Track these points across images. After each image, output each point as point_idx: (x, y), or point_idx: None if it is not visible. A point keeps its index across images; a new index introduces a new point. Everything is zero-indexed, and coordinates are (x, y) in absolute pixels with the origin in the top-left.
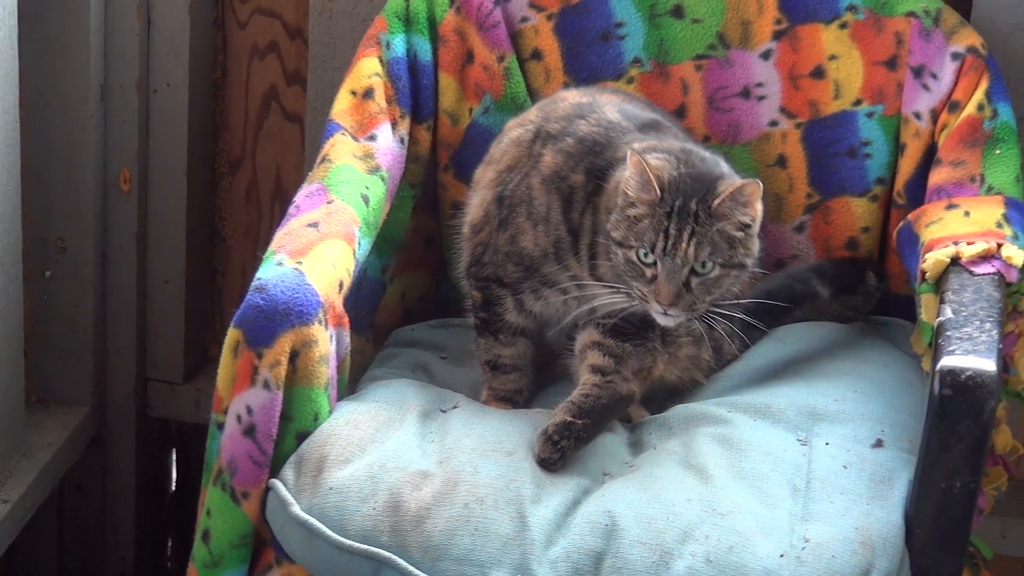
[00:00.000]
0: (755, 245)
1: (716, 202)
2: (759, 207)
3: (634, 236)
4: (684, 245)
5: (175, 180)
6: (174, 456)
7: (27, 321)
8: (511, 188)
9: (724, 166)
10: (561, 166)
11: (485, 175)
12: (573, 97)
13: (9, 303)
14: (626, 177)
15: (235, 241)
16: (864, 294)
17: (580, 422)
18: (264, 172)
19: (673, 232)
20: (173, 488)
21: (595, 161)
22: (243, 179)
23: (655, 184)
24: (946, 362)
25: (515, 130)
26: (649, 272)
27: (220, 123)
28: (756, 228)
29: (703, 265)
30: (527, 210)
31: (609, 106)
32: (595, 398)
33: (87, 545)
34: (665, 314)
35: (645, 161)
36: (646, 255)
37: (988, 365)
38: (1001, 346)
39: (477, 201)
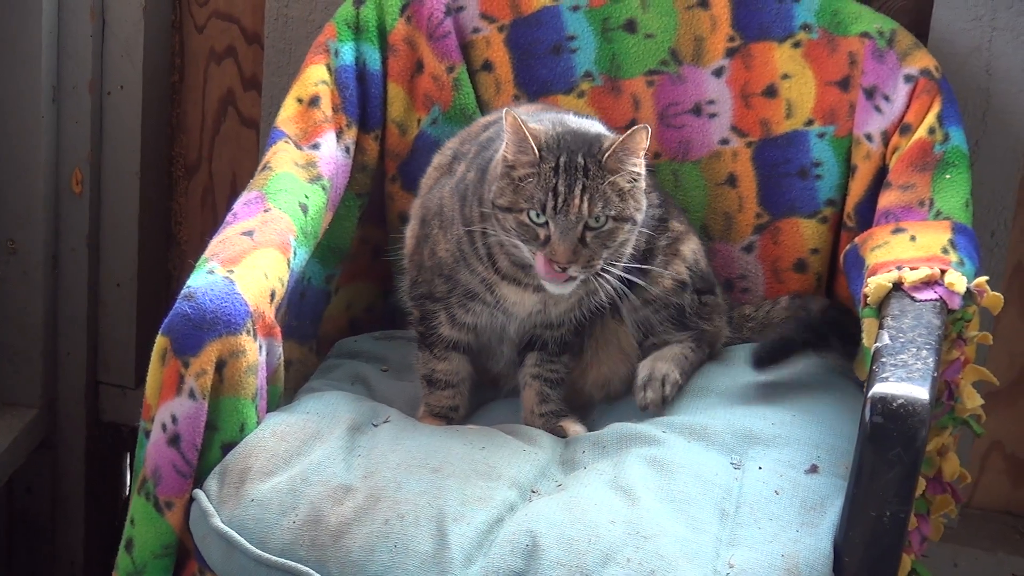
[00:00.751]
0: (643, 199)
1: (606, 155)
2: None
3: (523, 199)
4: (577, 201)
5: (128, 182)
6: (128, 461)
7: None
8: (429, 205)
9: (600, 126)
10: (464, 172)
11: (414, 205)
12: (494, 116)
13: None
14: (505, 143)
15: (190, 245)
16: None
17: None
18: (220, 177)
19: (563, 189)
20: (127, 493)
21: (484, 154)
22: (199, 183)
23: (532, 144)
24: (878, 389)
25: (436, 158)
26: (542, 233)
27: (177, 126)
28: (643, 181)
29: (597, 219)
30: (439, 220)
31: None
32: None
33: (36, 548)
34: (557, 279)
35: (521, 121)
36: (537, 216)
37: (921, 393)
38: (937, 374)
39: (409, 232)
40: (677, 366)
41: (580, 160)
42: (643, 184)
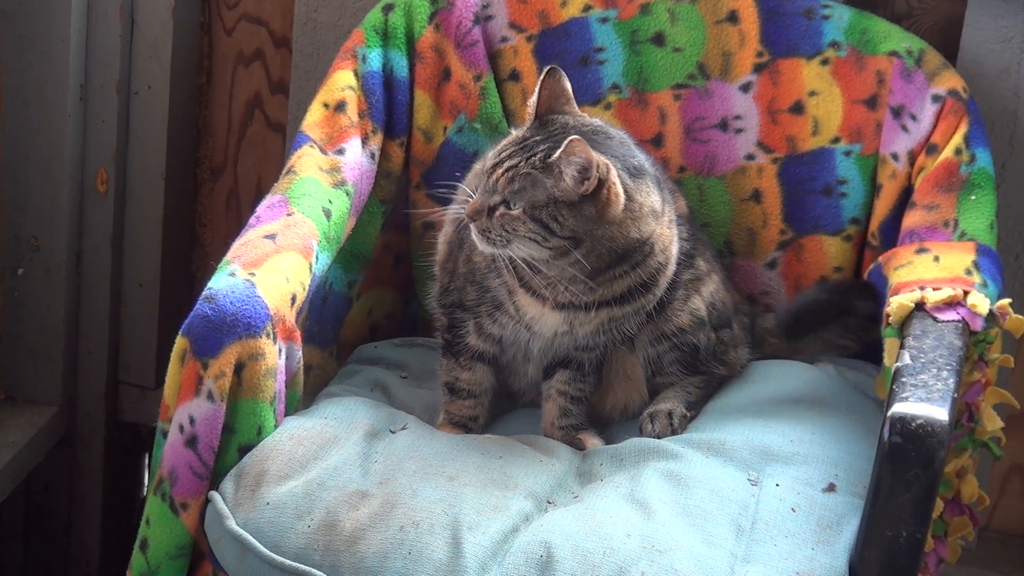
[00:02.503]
0: (584, 224)
1: (555, 155)
2: (617, 194)
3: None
4: (500, 172)
5: (153, 183)
6: (146, 461)
7: None
8: None
9: (639, 155)
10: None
11: (448, 212)
12: None
13: None
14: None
15: (214, 248)
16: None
17: None
18: (245, 180)
19: (504, 157)
20: (144, 493)
21: None
22: (224, 186)
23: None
24: (898, 408)
25: (476, 164)
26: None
27: (203, 128)
28: (597, 209)
29: (510, 205)
30: None
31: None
32: None
33: (53, 547)
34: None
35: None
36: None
37: (940, 414)
38: (957, 395)
39: (442, 238)
40: (682, 401)
41: (540, 149)
42: (593, 211)
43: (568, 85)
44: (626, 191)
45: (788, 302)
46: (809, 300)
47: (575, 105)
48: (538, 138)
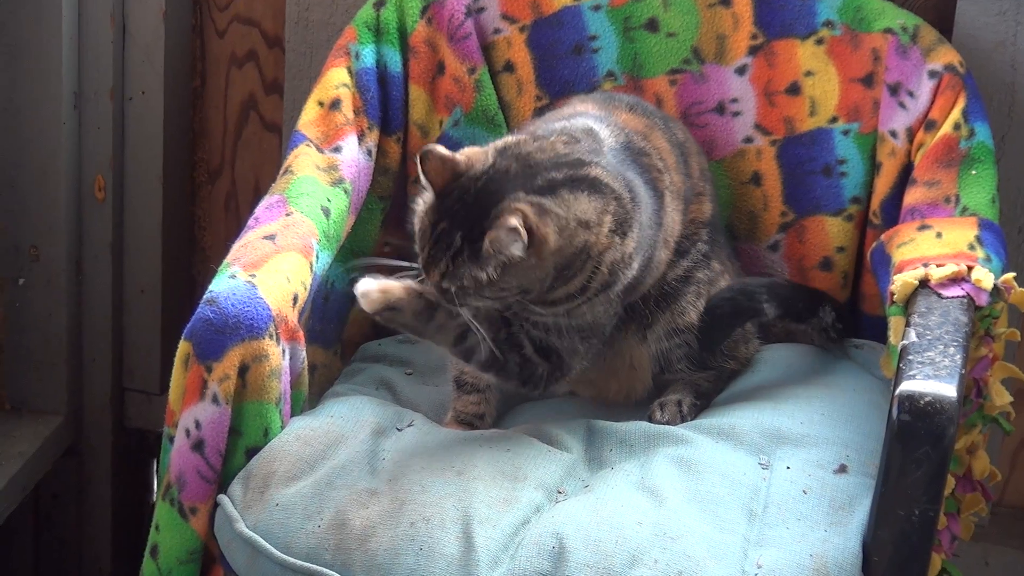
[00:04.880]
0: (527, 274)
1: (483, 247)
2: (545, 232)
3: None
4: (436, 274)
5: (151, 188)
6: (154, 467)
7: (0, 329)
8: None
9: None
10: None
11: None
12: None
13: None
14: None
15: (214, 251)
16: (816, 327)
17: None
18: (243, 182)
19: (428, 257)
20: (153, 500)
21: None
22: (222, 189)
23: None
24: (906, 387)
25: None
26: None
27: (199, 132)
28: (537, 256)
29: (457, 298)
30: None
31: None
32: None
33: (64, 556)
34: None
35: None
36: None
37: (949, 391)
38: (965, 371)
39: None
40: (691, 392)
41: (455, 239)
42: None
43: (443, 152)
44: (545, 214)
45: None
46: (712, 303)
47: (461, 160)
48: (446, 225)
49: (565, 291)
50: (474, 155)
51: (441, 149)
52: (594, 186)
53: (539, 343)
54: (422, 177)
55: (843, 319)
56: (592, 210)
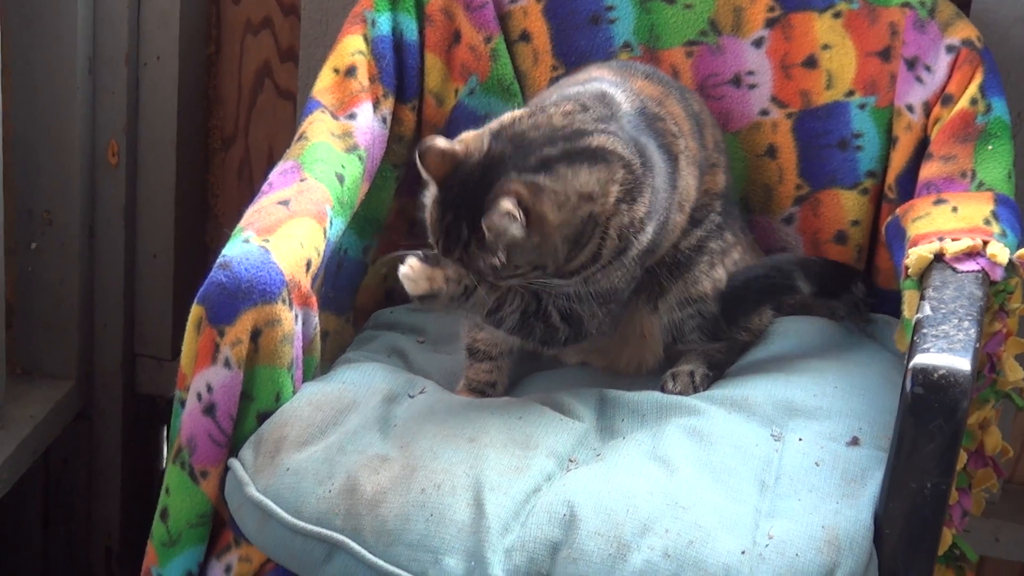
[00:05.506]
0: (537, 250)
1: (485, 235)
2: (541, 209)
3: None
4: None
5: (165, 154)
6: (164, 433)
7: (12, 293)
8: None
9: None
10: None
11: None
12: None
13: None
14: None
15: (227, 218)
16: (848, 303)
17: None
18: (257, 149)
19: (443, 249)
20: (163, 465)
21: None
22: (236, 156)
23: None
24: (919, 360)
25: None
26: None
27: (213, 98)
28: (541, 232)
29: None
30: None
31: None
32: None
33: (72, 520)
34: None
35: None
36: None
37: (963, 364)
38: (979, 345)
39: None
40: (704, 363)
41: (463, 230)
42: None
43: (442, 143)
44: (540, 192)
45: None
46: (745, 278)
47: (459, 149)
48: (451, 217)
49: (580, 261)
50: (471, 141)
51: (439, 142)
52: (596, 156)
53: (564, 312)
54: (423, 172)
55: (873, 293)
56: (594, 181)
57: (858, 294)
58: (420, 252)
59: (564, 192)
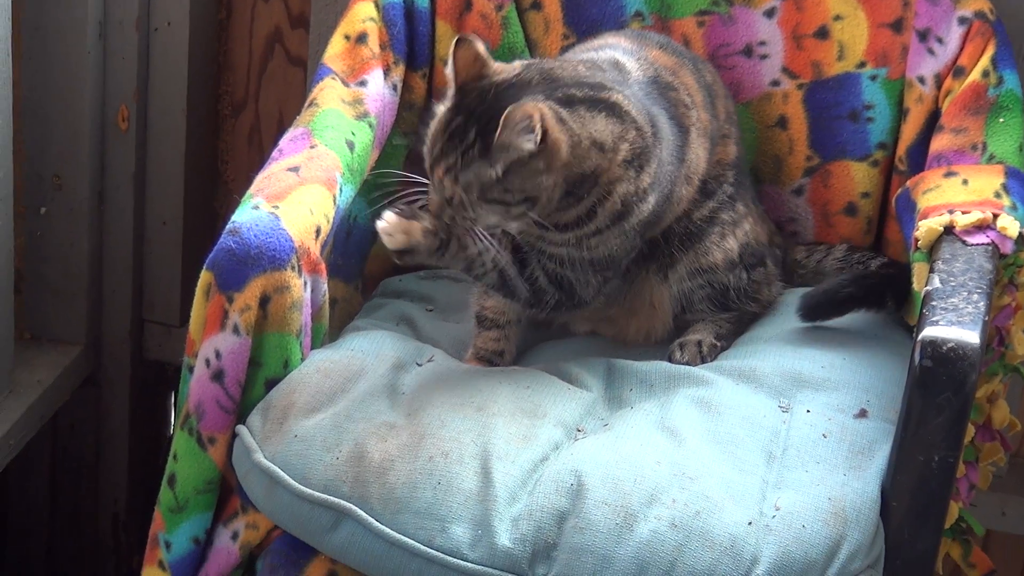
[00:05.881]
0: (534, 180)
1: (496, 136)
2: (558, 137)
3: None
4: (441, 172)
5: (175, 120)
6: (172, 400)
7: (21, 258)
8: None
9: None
10: None
11: None
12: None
13: (1, 239)
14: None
15: (237, 184)
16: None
17: None
18: (267, 116)
19: (438, 154)
20: (171, 432)
21: None
22: (246, 122)
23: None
24: (928, 332)
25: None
26: None
27: (223, 64)
28: (545, 161)
29: (463, 200)
30: None
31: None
32: None
33: (80, 485)
34: None
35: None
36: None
37: (971, 337)
38: (988, 318)
39: None
40: (711, 333)
41: (469, 134)
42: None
43: (481, 48)
44: (562, 121)
45: (815, 275)
46: (841, 292)
47: (491, 64)
48: (461, 120)
49: (575, 213)
50: (502, 66)
51: (479, 42)
52: (613, 111)
53: (553, 275)
54: (450, 65)
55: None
56: (608, 133)
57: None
58: (398, 207)
59: (579, 134)
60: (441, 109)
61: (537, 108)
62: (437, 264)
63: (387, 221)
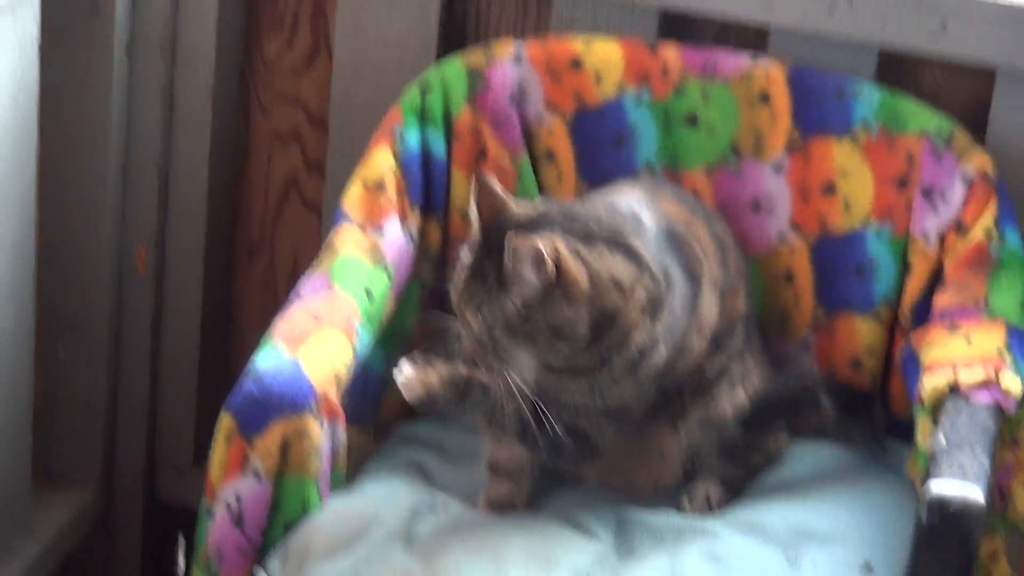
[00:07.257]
0: (557, 313)
1: (504, 266)
2: (577, 270)
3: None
4: (469, 313)
5: (192, 264)
6: (181, 541)
7: (37, 399)
8: None
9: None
10: None
11: None
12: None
13: (20, 380)
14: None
15: (250, 328)
16: (866, 426)
17: None
18: (282, 261)
19: (466, 294)
20: (180, 575)
21: None
22: (260, 266)
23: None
24: (935, 490)
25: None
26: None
27: (240, 209)
28: (564, 292)
29: (492, 336)
30: None
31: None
32: None
33: None
34: None
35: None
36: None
37: (976, 494)
38: (991, 476)
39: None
40: (719, 483)
41: (490, 272)
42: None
43: (496, 186)
44: (579, 257)
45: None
46: (771, 390)
47: (510, 200)
48: (483, 258)
49: (594, 357)
50: (524, 202)
51: (496, 182)
52: (631, 254)
53: (569, 425)
54: (473, 206)
55: (890, 417)
56: (627, 273)
57: (878, 416)
58: (415, 357)
59: (599, 270)
60: (465, 250)
61: (550, 242)
62: (456, 412)
63: (405, 373)
